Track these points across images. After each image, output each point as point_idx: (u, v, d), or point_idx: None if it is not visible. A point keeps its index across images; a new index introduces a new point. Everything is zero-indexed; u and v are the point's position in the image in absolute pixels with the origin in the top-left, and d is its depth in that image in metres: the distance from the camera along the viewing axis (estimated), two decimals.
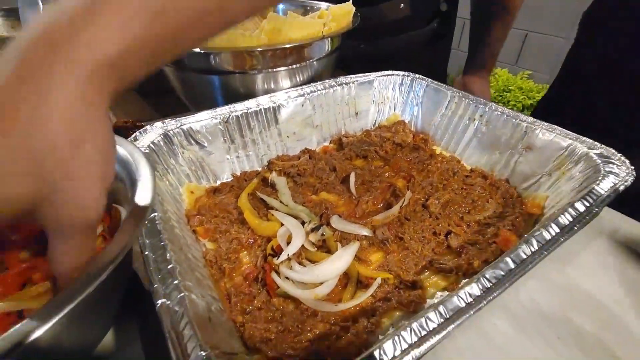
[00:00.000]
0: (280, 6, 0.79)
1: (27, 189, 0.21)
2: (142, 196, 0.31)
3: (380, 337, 0.33)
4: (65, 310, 0.23)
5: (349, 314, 0.36)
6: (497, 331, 0.37)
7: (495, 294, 0.28)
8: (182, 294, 0.28)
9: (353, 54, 0.85)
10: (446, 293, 0.39)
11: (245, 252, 0.43)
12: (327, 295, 0.37)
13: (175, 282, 0.29)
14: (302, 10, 0.76)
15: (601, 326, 0.37)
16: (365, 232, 0.45)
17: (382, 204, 0.50)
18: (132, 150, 0.36)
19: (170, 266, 0.30)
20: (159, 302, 0.27)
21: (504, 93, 2.42)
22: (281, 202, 0.49)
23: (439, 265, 0.41)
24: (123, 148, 0.36)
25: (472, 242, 0.44)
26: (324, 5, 0.72)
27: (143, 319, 0.37)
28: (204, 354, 0.24)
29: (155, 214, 0.36)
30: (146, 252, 0.31)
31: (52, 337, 0.26)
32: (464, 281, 0.39)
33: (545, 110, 0.86)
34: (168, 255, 0.31)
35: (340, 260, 0.39)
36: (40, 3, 0.66)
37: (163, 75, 0.67)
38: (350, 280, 0.39)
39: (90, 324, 0.31)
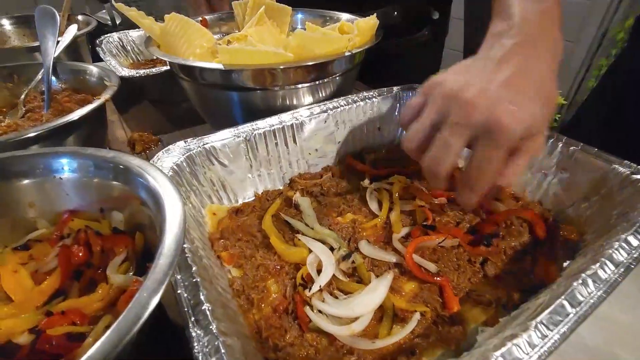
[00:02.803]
0: (299, 16, 0.78)
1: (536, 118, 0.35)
2: (173, 235, 0.29)
3: None
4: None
5: (386, 351, 0.34)
6: None
7: (557, 344, 0.26)
8: (218, 341, 0.26)
9: None
10: (487, 328, 0.37)
11: (273, 279, 0.41)
12: (362, 330, 0.36)
13: (212, 327, 0.27)
14: (322, 20, 0.74)
15: None
16: (395, 259, 0.43)
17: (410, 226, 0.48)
18: (164, 181, 0.34)
19: (204, 307, 0.29)
20: (196, 348, 0.26)
21: None
22: (306, 224, 0.47)
23: (477, 297, 0.39)
24: (152, 177, 0.34)
25: (509, 271, 0.42)
26: (344, 16, 0.71)
27: (166, 347, 0.36)
28: None
29: (185, 245, 0.34)
30: (179, 291, 0.30)
31: None
32: (508, 317, 0.37)
33: (580, 121, 0.84)
34: (202, 294, 0.29)
35: (376, 292, 0.37)
36: (58, 15, 0.64)
37: (176, 86, 0.66)
38: (386, 314, 0.37)
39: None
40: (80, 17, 1.04)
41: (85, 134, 0.57)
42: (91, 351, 0.22)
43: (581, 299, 0.29)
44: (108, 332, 0.23)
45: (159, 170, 0.35)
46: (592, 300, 0.29)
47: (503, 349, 0.25)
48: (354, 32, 0.54)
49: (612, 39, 2.14)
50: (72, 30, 0.73)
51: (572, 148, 0.48)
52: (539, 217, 0.47)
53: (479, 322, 0.37)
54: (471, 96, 0.34)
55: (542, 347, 0.26)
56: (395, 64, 0.93)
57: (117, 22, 1.22)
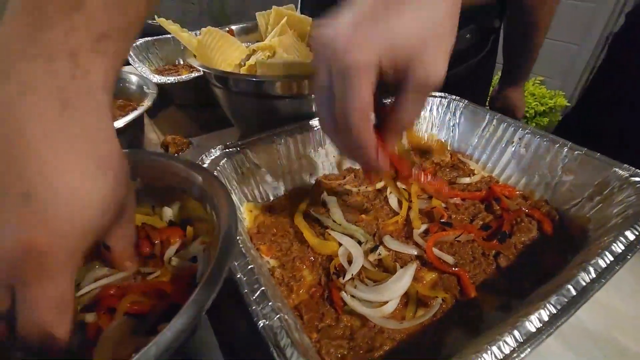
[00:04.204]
0: None
1: None
2: (229, 227, 0.34)
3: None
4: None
5: (413, 330, 0.39)
6: (548, 349, 0.40)
7: (563, 319, 0.30)
8: (278, 315, 0.31)
9: None
10: (502, 312, 0.41)
11: (308, 270, 0.46)
12: (391, 313, 0.41)
13: (270, 303, 0.32)
14: None
15: None
16: (416, 252, 0.48)
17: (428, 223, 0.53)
18: (215, 182, 0.39)
19: (262, 289, 0.34)
20: (261, 323, 0.31)
21: None
22: (334, 220, 0.52)
23: (491, 286, 0.44)
24: (203, 178, 0.39)
25: (519, 263, 0.46)
26: None
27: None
28: None
29: (238, 237, 0.39)
30: (238, 275, 0.35)
31: None
32: (519, 302, 0.41)
33: (568, 127, 0.89)
34: (257, 278, 0.35)
35: (402, 280, 0.42)
36: None
37: (203, 92, 0.71)
38: (410, 299, 0.42)
39: None
40: None
41: (127, 138, 0.63)
42: (175, 320, 0.26)
43: (583, 283, 0.33)
44: (189, 302, 0.27)
45: (209, 172, 0.40)
46: (593, 285, 0.33)
47: (518, 324, 0.30)
48: None
49: None
50: None
51: (576, 152, 0.53)
52: (546, 215, 0.52)
53: (494, 308, 0.42)
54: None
55: (551, 323, 0.30)
56: (449, 84, 0.86)
57: None
